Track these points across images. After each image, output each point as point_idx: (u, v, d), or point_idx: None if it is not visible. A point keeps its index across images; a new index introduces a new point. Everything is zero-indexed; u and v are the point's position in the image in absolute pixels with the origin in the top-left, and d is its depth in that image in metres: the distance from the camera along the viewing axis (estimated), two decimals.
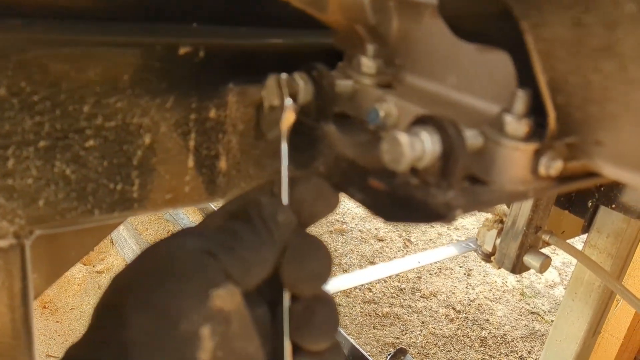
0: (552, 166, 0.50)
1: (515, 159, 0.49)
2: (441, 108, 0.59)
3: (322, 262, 0.50)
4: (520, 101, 0.49)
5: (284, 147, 0.58)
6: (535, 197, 0.55)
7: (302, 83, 0.59)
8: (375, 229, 5.14)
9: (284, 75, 0.60)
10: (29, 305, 0.67)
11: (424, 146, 0.45)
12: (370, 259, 4.87)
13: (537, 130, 0.50)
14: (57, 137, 0.61)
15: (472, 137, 0.50)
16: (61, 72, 0.59)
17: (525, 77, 0.50)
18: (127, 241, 4.15)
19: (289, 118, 0.58)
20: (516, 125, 0.49)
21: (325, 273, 0.50)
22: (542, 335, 4.03)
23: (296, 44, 0.76)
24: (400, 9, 0.64)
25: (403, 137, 0.44)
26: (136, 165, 0.69)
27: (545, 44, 0.40)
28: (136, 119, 0.66)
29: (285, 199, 0.56)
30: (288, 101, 0.59)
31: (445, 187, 0.46)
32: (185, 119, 0.70)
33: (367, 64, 0.64)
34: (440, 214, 0.45)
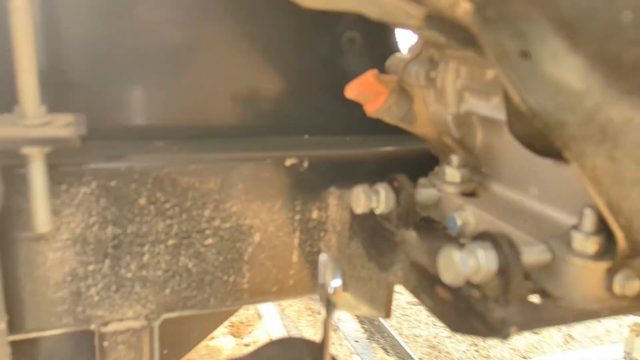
0: (626, 285, 0.48)
1: (585, 276, 0.49)
2: (520, 219, 0.60)
3: None
4: (589, 219, 0.49)
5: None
6: (611, 317, 0.52)
7: (383, 193, 0.64)
8: None
9: (324, 258, 0.65)
10: None
11: (478, 263, 0.47)
12: (523, 354, 4.45)
13: (610, 248, 0.49)
14: (183, 237, 0.74)
15: (539, 253, 0.50)
16: (188, 184, 0.72)
17: None
18: (272, 316, 4.35)
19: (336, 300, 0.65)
20: (584, 242, 0.49)
21: None
22: None
23: (392, 151, 0.82)
24: (482, 124, 0.68)
25: (456, 254, 0.47)
26: (247, 260, 0.78)
27: (591, 173, 0.41)
28: (248, 221, 0.77)
29: None
30: (336, 282, 0.66)
31: (503, 303, 0.47)
32: (290, 220, 0.79)
33: (451, 173, 0.68)
34: (496, 330, 0.46)
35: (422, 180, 0.72)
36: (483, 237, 0.49)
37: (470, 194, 0.68)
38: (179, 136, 0.82)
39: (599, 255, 0.49)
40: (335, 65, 0.97)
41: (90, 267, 0.70)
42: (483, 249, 0.48)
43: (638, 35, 0.32)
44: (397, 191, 0.65)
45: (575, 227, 0.50)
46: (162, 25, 0.80)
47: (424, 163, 0.82)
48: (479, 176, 0.70)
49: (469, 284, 0.50)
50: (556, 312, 0.48)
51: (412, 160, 0.82)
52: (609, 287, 0.49)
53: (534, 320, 0.47)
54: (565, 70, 0.34)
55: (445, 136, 0.71)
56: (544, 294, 0.52)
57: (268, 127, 0.90)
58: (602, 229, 0.49)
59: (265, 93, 0.89)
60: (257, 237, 0.78)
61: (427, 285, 0.56)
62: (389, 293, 0.68)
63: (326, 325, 0.60)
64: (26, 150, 0.53)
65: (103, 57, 0.77)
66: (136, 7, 0.78)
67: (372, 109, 0.71)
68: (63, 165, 0.65)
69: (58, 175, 0.65)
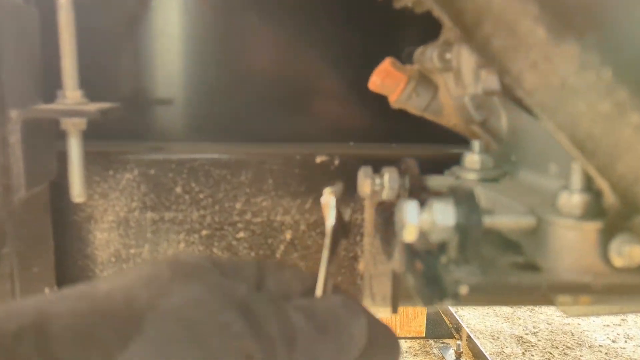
0: (623, 250, 0.40)
1: (573, 240, 0.41)
2: (531, 197, 0.53)
3: None
4: (577, 174, 0.43)
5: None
6: (607, 294, 0.42)
7: (387, 175, 0.61)
8: None
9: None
10: None
11: (433, 217, 0.43)
12: None
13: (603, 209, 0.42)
14: (216, 228, 0.77)
15: (520, 215, 0.45)
16: (220, 176, 0.76)
17: None
18: None
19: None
20: (570, 200, 0.42)
21: None
22: None
23: (427, 153, 0.78)
24: (505, 105, 0.63)
25: (408, 205, 0.44)
26: (279, 258, 0.79)
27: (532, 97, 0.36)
28: (279, 217, 0.78)
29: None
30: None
31: (461, 262, 0.42)
32: (322, 220, 0.78)
33: (471, 158, 0.63)
34: (448, 291, 0.41)
35: (447, 171, 0.67)
36: (447, 194, 0.45)
37: (491, 181, 0.62)
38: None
39: (588, 215, 0.41)
40: None
41: (132, 250, 0.77)
42: (442, 203, 0.43)
43: None
44: (404, 175, 0.62)
45: (564, 187, 0.44)
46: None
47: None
48: (509, 165, 0.64)
49: (439, 250, 0.46)
50: (527, 278, 0.41)
51: (448, 163, 0.77)
52: (605, 257, 0.41)
53: (495, 284, 0.41)
54: None
55: (471, 123, 0.66)
56: (535, 268, 0.45)
57: (321, 134, 0.91)
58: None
59: (331, 103, 0.92)
60: (288, 235, 0.79)
61: (410, 262, 0.52)
62: (394, 283, 0.63)
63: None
64: (63, 124, 0.62)
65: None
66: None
67: (393, 98, 0.70)
68: (111, 154, 0.74)
69: (107, 161, 0.74)
